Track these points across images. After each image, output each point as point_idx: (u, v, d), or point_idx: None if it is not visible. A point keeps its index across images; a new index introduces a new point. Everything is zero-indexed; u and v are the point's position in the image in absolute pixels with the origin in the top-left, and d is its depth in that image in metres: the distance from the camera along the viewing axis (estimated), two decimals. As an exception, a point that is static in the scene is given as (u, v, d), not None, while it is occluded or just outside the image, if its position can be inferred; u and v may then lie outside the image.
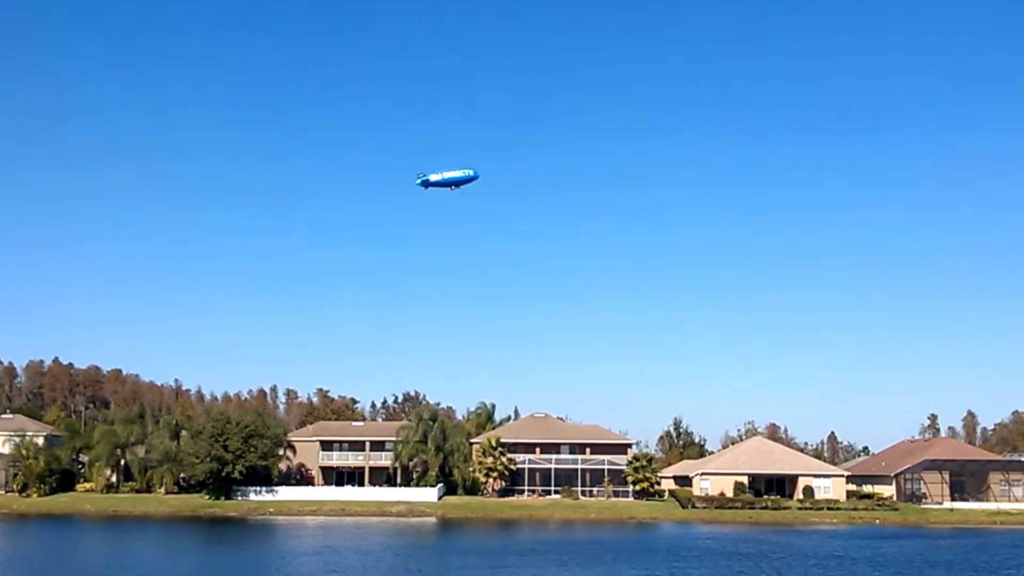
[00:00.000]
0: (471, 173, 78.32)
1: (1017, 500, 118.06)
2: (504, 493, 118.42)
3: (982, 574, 57.05)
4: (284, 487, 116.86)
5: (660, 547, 70.83)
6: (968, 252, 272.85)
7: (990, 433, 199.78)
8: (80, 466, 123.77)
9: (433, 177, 77.16)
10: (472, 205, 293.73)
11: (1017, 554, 70.31)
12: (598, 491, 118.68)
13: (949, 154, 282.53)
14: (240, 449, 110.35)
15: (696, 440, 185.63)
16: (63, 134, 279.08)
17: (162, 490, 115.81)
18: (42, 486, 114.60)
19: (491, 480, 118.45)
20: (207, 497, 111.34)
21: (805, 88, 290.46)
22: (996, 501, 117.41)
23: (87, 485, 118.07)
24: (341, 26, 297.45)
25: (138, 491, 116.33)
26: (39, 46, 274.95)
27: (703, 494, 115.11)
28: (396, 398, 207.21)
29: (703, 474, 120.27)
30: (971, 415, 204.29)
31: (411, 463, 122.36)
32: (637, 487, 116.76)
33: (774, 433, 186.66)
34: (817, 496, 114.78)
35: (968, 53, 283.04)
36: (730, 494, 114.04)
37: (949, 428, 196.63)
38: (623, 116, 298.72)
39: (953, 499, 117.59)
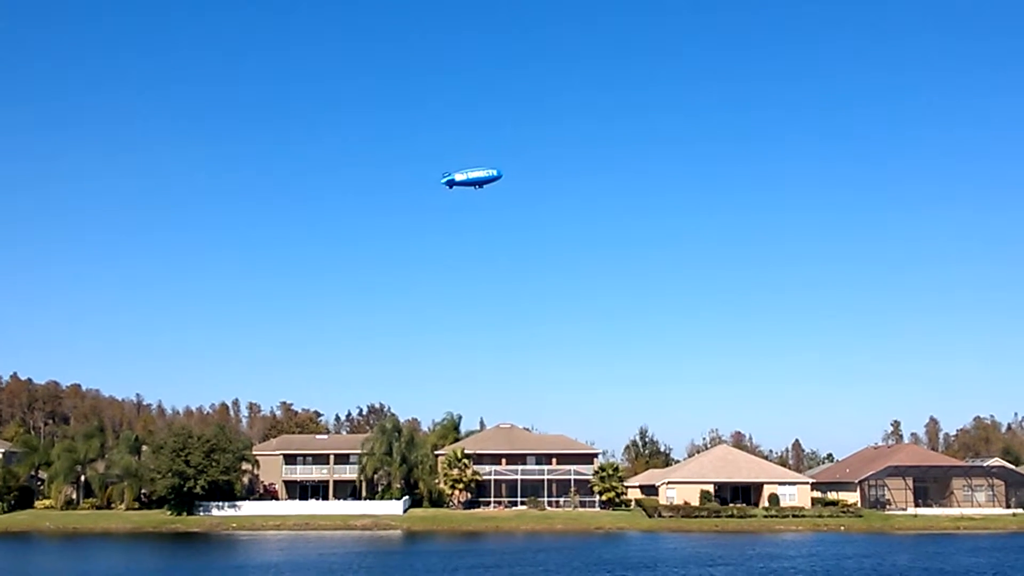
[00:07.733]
0: (495, 173, 78.65)
1: (980, 505, 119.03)
2: (470, 505, 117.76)
3: None
4: (247, 502, 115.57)
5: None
6: (930, 259, 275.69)
7: (952, 439, 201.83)
8: (39, 483, 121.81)
9: (458, 177, 77.39)
10: (435, 216, 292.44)
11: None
12: (564, 501, 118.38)
13: (918, 156, 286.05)
14: (202, 464, 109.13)
15: (662, 449, 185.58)
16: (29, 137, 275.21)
17: (123, 506, 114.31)
18: (0, 504, 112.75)
19: (457, 492, 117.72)
20: (169, 513, 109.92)
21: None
22: (959, 506, 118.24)
23: (46, 502, 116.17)
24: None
25: (98, 507, 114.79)
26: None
27: (669, 503, 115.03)
28: (360, 410, 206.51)
29: (669, 483, 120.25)
30: (933, 421, 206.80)
31: (376, 476, 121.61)
32: (603, 497, 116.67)
33: (739, 441, 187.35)
34: (782, 504, 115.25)
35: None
36: (696, 503, 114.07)
37: (912, 434, 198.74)
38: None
39: (917, 505, 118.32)
